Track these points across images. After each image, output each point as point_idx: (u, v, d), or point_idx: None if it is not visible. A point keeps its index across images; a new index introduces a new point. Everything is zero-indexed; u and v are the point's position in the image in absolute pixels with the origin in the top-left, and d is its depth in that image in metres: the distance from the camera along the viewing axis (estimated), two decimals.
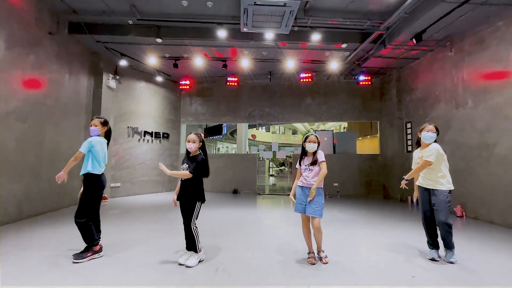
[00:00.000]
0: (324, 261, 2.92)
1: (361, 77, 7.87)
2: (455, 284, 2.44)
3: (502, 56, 4.72)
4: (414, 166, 3.20)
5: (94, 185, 2.98)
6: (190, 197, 2.85)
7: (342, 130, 17.11)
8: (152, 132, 8.55)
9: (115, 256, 3.06)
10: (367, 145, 11.61)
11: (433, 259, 3.00)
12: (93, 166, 2.96)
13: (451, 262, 2.92)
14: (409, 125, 7.41)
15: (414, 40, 5.51)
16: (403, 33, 5.47)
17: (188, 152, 2.98)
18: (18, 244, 3.41)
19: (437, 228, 3.05)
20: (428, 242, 3.16)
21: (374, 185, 8.65)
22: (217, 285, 2.38)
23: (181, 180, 2.92)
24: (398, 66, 7.61)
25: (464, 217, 5.40)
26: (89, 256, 2.91)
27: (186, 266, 2.75)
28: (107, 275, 2.56)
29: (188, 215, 2.85)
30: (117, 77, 7.48)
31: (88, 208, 2.95)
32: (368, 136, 11.97)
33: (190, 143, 2.89)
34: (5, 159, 4.32)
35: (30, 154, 4.84)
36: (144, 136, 8.32)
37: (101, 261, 2.91)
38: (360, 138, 12.26)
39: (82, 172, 2.95)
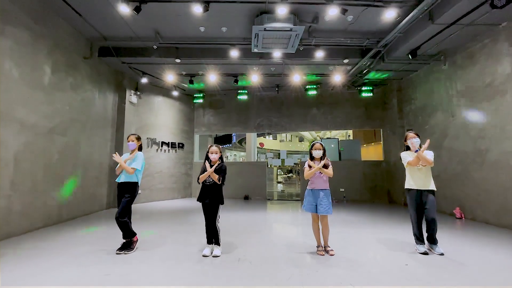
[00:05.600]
0: (331, 253, 3.39)
1: (363, 89, 8.40)
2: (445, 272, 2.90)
3: (489, 70, 5.20)
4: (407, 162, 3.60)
5: (136, 192, 3.59)
6: (216, 201, 3.39)
7: (347, 138, 17.51)
8: (168, 142, 9.20)
9: (151, 250, 3.61)
10: (372, 152, 12.00)
11: (425, 253, 3.41)
12: (138, 176, 3.59)
13: (442, 253, 3.36)
14: None
15: (409, 56, 6.03)
16: (399, 49, 6.00)
17: (209, 161, 3.49)
18: (73, 240, 4.01)
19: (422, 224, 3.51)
20: (418, 238, 3.56)
21: (379, 191, 9.02)
22: (242, 270, 2.90)
23: (207, 184, 3.44)
24: (398, 77, 8.12)
25: (463, 218, 5.77)
26: (135, 246, 3.55)
27: (214, 256, 3.27)
28: (150, 264, 3.11)
29: (214, 215, 3.40)
30: (138, 93, 8.20)
31: (129, 210, 3.54)
32: (372, 143, 12.38)
33: (214, 154, 3.44)
34: (50, 169, 4.98)
35: (68, 164, 5.50)
36: (162, 146, 8.97)
37: (140, 254, 3.46)
38: (364, 145, 12.68)
39: (127, 180, 3.53)
